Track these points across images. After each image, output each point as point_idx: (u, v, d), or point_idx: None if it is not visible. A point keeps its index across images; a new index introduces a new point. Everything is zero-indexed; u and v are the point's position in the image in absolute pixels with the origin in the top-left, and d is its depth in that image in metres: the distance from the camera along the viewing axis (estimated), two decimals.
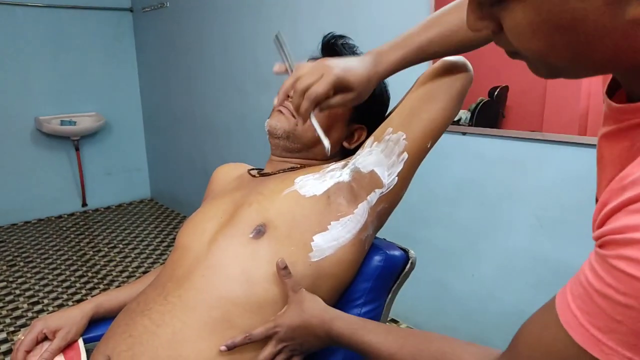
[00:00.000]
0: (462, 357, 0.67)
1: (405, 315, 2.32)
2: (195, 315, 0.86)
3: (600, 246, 0.46)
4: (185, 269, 0.93)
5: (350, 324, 0.82)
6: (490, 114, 1.91)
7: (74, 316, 1.06)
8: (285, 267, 0.88)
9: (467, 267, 2.10)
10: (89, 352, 1.03)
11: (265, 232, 0.92)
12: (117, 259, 3.27)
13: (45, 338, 1.04)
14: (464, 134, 2.01)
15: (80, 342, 1.05)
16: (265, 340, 0.86)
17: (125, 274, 3.04)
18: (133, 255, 3.33)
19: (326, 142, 0.88)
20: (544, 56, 0.46)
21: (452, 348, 0.70)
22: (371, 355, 0.78)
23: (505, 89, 1.85)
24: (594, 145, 1.78)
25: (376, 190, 0.97)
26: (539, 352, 0.52)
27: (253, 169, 1.16)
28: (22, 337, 1.03)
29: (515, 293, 1.94)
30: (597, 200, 0.56)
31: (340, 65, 0.86)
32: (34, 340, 1.02)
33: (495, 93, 1.88)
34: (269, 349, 0.85)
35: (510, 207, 1.91)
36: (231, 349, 0.83)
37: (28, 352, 1.02)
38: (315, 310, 0.85)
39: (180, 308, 0.87)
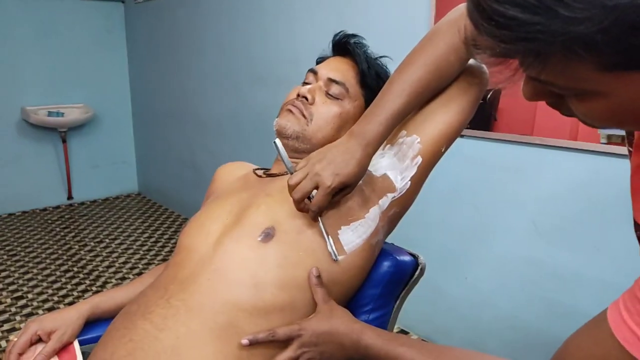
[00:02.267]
0: None
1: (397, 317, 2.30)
2: (200, 320, 0.83)
3: None
4: (189, 272, 0.89)
5: (382, 335, 0.81)
6: (483, 117, 1.90)
7: (69, 317, 1.02)
8: (319, 276, 0.87)
9: (461, 270, 2.09)
10: (85, 354, 1.00)
11: (274, 236, 0.89)
12: (104, 254, 3.21)
13: (40, 340, 1.00)
14: (461, 136, 1.99)
15: (76, 344, 1.02)
16: (282, 344, 0.83)
17: (112, 270, 2.99)
18: (120, 251, 3.27)
19: (332, 249, 0.88)
20: (610, 127, 0.52)
21: None
22: None
23: (498, 92, 1.86)
24: (588, 150, 1.76)
25: (388, 194, 0.94)
26: None
27: (258, 169, 1.13)
28: (15, 339, 0.99)
29: (510, 297, 1.93)
30: (636, 222, 0.59)
31: (330, 171, 0.85)
32: (28, 342, 0.98)
33: (488, 96, 1.88)
34: (288, 353, 0.83)
35: (505, 211, 1.91)
36: (253, 344, 0.81)
37: (21, 354, 0.98)
38: (345, 318, 0.84)
39: (184, 312, 0.83)
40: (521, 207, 1.85)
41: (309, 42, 2.53)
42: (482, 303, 2.03)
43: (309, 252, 0.89)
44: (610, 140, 1.59)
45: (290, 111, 1.03)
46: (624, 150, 1.57)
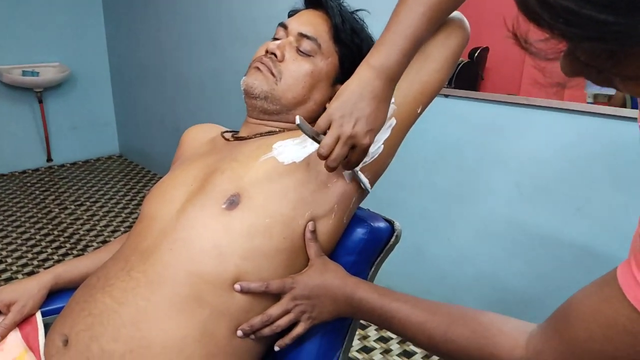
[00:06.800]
0: (502, 329, 0.66)
1: (378, 277, 2.29)
2: (161, 292, 0.79)
3: None
4: (150, 242, 0.85)
5: (376, 289, 0.80)
6: (469, 76, 1.85)
7: (30, 288, 0.97)
8: (314, 231, 0.85)
9: (443, 231, 2.07)
10: (47, 326, 0.96)
11: (239, 203, 0.84)
12: (85, 217, 3.16)
13: None
14: (446, 96, 1.94)
15: (38, 315, 0.98)
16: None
17: (93, 233, 2.94)
18: (101, 214, 3.22)
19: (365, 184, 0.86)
20: None
21: (489, 318, 0.68)
22: (395, 324, 0.75)
23: (485, 51, 1.80)
24: (575, 110, 1.72)
25: None
26: (596, 324, 0.53)
27: (227, 132, 1.07)
28: None
29: (490, 257, 1.92)
30: None
31: (364, 129, 0.76)
32: None
33: (476, 55, 1.82)
34: (282, 305, 0.82)
35: (489, 172, 1.87)
36: (245, 292, 0.81)
37: None
38: (338, 272, 0.83)
39: (144, 284, 0.80)
40: (505, 167, 1.82)
41: None
42: (463, 262, 2.02)
43: (276, 218, 0.84)
44: (596, 99, 1.54)
45: (258, 69, 0.96)
46: (609, 110, 1.52)
